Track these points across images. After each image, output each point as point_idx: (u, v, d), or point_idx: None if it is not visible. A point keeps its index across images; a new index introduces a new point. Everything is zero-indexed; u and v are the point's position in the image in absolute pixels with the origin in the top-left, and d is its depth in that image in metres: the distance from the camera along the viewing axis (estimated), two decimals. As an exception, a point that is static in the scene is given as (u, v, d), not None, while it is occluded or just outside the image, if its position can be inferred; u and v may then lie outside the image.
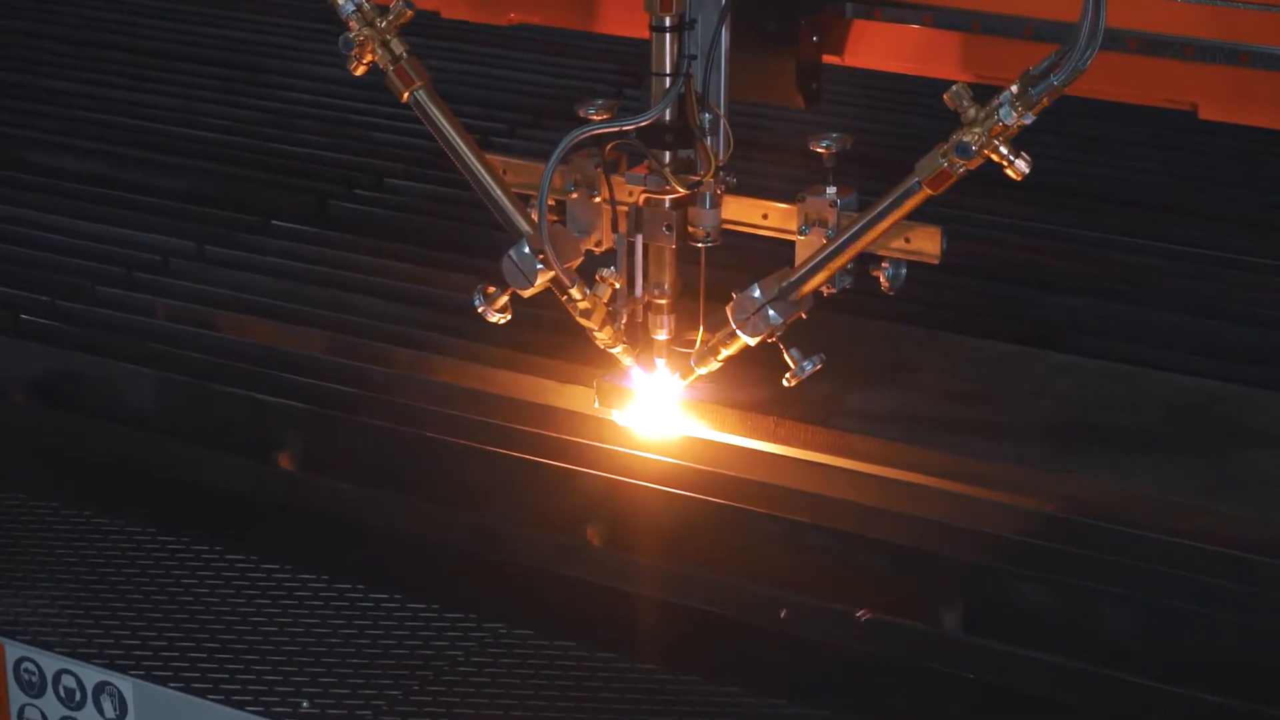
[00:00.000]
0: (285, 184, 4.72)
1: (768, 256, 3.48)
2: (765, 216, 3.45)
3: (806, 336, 3.40)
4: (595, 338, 3.42)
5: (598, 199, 3.49)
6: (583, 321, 3.37)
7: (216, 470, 3.57)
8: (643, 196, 3.41)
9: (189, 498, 3.61)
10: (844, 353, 3.59)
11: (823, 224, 3.37)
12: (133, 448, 3.66)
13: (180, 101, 5.30)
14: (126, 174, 4.83)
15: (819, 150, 3.36)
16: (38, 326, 3.91)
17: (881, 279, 3.36)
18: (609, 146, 3.39)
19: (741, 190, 3.45)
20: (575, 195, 3.52)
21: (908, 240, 3.32)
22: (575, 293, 3.34)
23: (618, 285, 3.38)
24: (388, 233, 4.43)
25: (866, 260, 3.36)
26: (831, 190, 3.38)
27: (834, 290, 3.39)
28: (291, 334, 3.87)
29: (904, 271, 3.36)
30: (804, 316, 3.39)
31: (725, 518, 3.23)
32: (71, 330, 3.89)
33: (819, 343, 3.43)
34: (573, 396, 3.58)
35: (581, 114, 3.43)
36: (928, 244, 3.31)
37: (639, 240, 3.43)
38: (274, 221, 4.46)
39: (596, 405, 3.52)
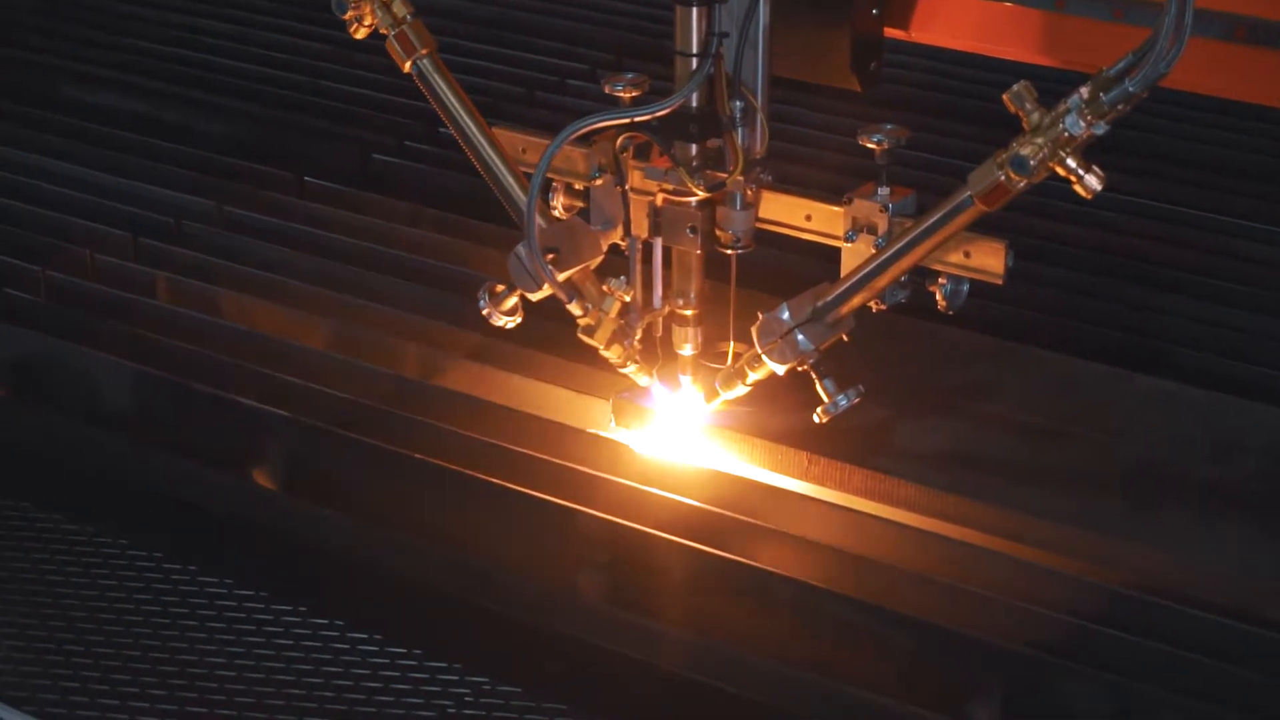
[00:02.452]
0: (330, 132, 4.32)
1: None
2: (808, 218, 2.98)
3: (858, 348, 2.97)
4: (603, 356, 2.98)
5: (624, 187, 3.04)
6: (585, 339, 2.94)
7: (191, 482, 3.19)
8: (660, 196, 2.96)
9: (164, 510, 3.23)
10: (902, 369, 3.14)
11: (872, 231, 2.90)
12: (104, 450, 3.29)
13: (239, 29, 4.90)
14: (167, 114, 4.45)
15: (870, 145, 2.89)
16: (20, 302, 3.55)
17: (938, 296, 2.89)
18: (621, 137, 2.93)
19: (783, 185, 2.99)
20: (600, 182, 3.07)
21: (967, 255, 2.84)
22: (575, 309, 2.90)
23: (628, 299, 2.94)
24: (432, 195, 4.02)
25: (923, 273, 2.89)
26: (884, 191, 2.91)
27: (884, 306, 2.93)
28: (295, 320, 3.47)
29: (965, 288, 2.88)
30: (845, 339, 2.94)
31: (738, 575, 2.79)
32: (55, 310, 3.53)
33: (873, 356, 3.00)
34: (587, 412, 3.16)
35: (607, 90, 2.99)
36: (990, 260, 2.83)
37: (658, 244, 2.98)
38: (307, 179, 4.06)
39: (612, 425, 3.10)
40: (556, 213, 3.12)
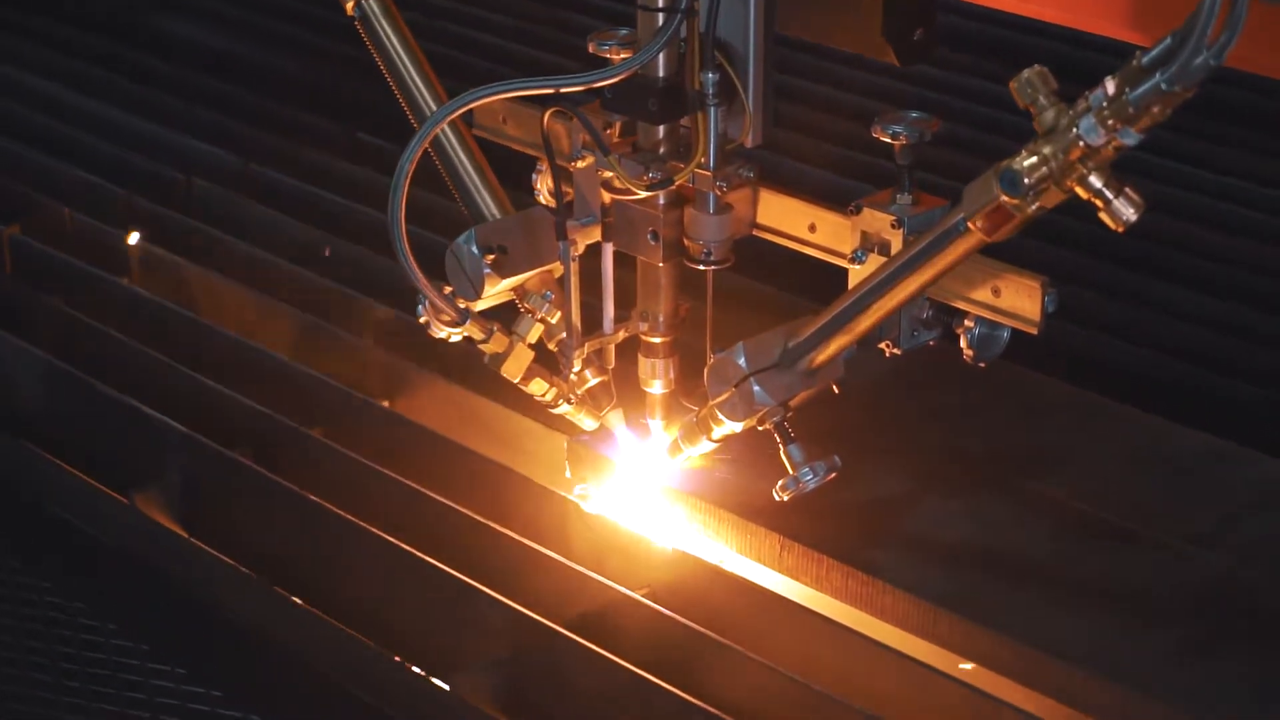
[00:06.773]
0: (411, 81, 3.72)
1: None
2: (813, 229, 2.28)
3: (886, 389, 2.29)
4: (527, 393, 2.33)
5: (609, 172, 2.38)
6: (494, 369, 2.28)
7: (83, 504, 2.64)
8: (606, 193, 2.30)
9: (61, 532, 2.70)
10: (937, 423, 2.42)
11: (884, 250, 2.19)
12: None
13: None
14: (241, 49, 3.93)
15: (886, 139, 2.18)
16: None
17: (963, 343, 2.17)
18: (549, 112, 2.27)
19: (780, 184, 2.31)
20: (582, 164, 2.41)
21: (996, 292, 2.12)
22: (472, 331, 2.24)
23: (553, 320, 2.28)
24: (502, 161, 3.38)
25: (951, 310, 2.18)
26: (904, 199, 2.19)
27: (899, 351, 2.22)
28: (263, 312, 2.90)
29: (1004, 336, 2.16)
30: (836, 390, 2.24)
31: (660, 702, 2.12)
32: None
33: (901, 403, 2.31)
34: (539, 450, 2.52)
35: (591, 48, 2.35)
36: (1023, 301, 2.10)
37: (608, 250, 2.32)
38: (359, 134, 3.47)
39: (567, 474, 2.46)
40: (541, 199, 2.49)
